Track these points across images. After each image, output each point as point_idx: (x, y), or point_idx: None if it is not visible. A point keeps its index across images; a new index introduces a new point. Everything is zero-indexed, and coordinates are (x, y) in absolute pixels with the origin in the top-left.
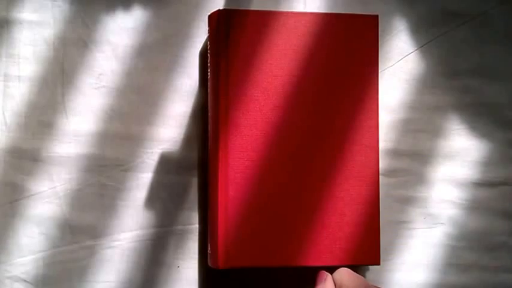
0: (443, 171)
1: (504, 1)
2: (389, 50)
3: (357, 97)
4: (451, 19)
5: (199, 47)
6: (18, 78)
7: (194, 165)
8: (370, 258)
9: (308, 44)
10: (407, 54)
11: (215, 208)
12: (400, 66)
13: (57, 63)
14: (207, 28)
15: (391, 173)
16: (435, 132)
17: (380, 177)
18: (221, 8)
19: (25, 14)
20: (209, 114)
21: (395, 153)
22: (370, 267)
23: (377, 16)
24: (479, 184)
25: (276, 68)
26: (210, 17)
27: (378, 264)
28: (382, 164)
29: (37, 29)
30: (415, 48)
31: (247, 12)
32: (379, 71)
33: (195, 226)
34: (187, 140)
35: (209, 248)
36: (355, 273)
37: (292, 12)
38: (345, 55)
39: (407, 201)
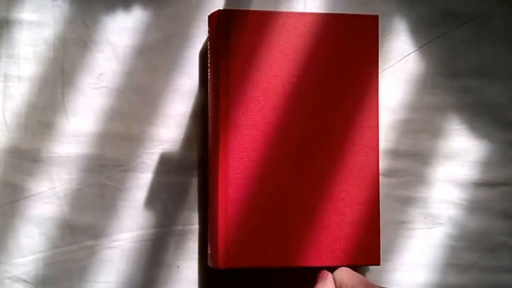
0: (443, 171)
1: (504, 1)
2: (389, 50)
3: (357, 97)
4: (451, 19)
5: (199, 47)
6: (18, 79)
7: (194, 166)
8: (370, 258)
9: (308, 44)
10: (407, 54)
11: (215, 208)
12: (400, 66)
13: (57, 64)
14: (207, 28)
15: (391, 173)
16: (435, 132)
17: (380, 177)
18: (221, 8)
19: (25, 14)
20: (209, 114)
21: (395, 153)
22: (370, 267)
23: (377, 16)
24: (479, 184)
25: (276, 68)
26: (210, 17)
27: (378, 264)
28: (382, 164)
29: (37, 29)
30: (415, 49)
31: (247, 12)
32: (379, 71)
33: (195, 226)
34: (187, 140)
35: (209, 248)
36: (355, 272)
37: (292, 13)
38: (345, 55)
39: (407, 202)
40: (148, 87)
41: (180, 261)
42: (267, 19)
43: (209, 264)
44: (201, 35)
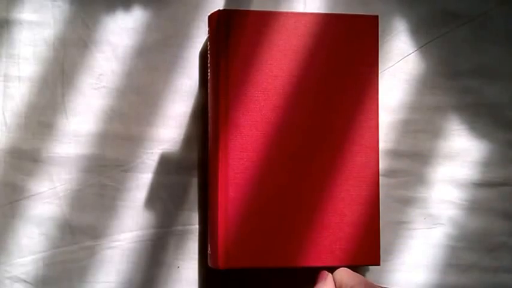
0: (443, 171)
1: (504, 1)
2: (389, 50)
3: (357, 97)
4: (451, 20)
5: (199, 48)
6: (18, 79)
7: (194, 166)
8: (370, 258)
9: (308, 44)
10: (407, 54)
11: (215, 208)
12: (400, 66)
13: (57, 64)
14: (207, 28)
15: (391, 173)
16: (435, 132)
17: (380, 177)
18: (221, 8)
19: (25, 15)
20: (209, 114)
21: (395, 153)
22: (370, 267)
23: (377, 16)
24: (479, 184)
25: (276, 69)
26: (210, 17)
27: (378, 264)
28: (382, 164)
29: (37, 30)
30: (415, 49)
31: (247, 12)
32: (379, 71)
33: (195, 226)
34: (187, 141)
35: (209, 249)
36: (354, 273)
37: (292, 13)
38: (345, 55)
39: (407, 202)
40: (148, 87)
41: (180, 262)
42: (267, 19)
43: (209, 264)
44: (201, 35)
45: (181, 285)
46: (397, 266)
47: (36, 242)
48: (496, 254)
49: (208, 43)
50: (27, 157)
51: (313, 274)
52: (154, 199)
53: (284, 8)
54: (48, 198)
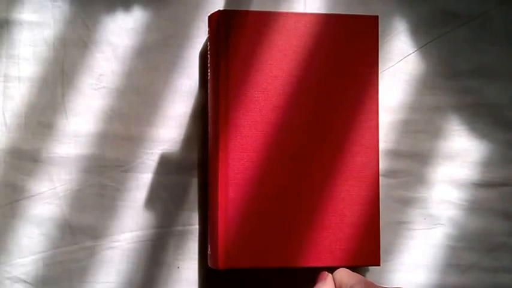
0: (443, 172)
1: (504, 2)
2: (389, 50)
3: (357, 98)
4: (451, 20)
5: (199, 48)
6: (18, 79)
7: (194, 166)
8: (370, 258)
9: (308, 44)
10: (407, 55)
11: (215, 209)
12: (400, 66)
13: (57, 64)
14: (207, 29)
15: (391, 173)
16: (435, 133)
17: (380, 177)
18: (221, 8)
19: (25, 15)
20: (209, 114)
21: (395, 153)
22: (370, 267)
23: (377, 17)
24: (479, 185)
25: (276, 69)
26: (210, 17)
27: (378, 265)
28: (382, 164)
29: (37, 30)
30: (415, 49)
31: (247, 12)
32: (379, 71)
33: (195, 227)
34: (187, 141)
35: (209, 249)
36: (354, 273)
37: (292, 13)
38: (345, 56)
39: (407, 202)
40: (148, 87)
41: (180, 262)
42: (267, 19)
43: (209, 264)
44: (201, 36)
45: (181, 285)
46: (397, 266)
47: (36, 242)
48: (496, 254)
49: (208, 43)
50: (27, 157)
51: (313, 274)
52: (154, 199)
53: (284, 8)
54: (48, 198)
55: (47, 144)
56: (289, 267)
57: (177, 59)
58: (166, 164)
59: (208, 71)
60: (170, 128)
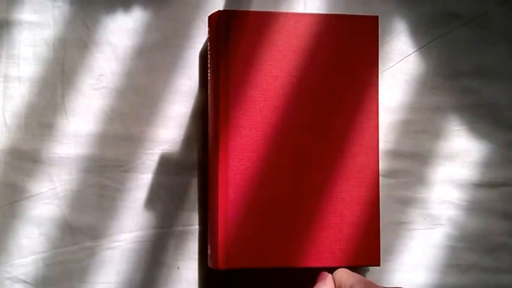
0: (443, 172)
1: (504, 2)
2: (389, 50)
3: (357, 98)
4: (451, 20)
5: (199, 48)
6: (18, 79)
7: (194, 166)
8: (370, 259)
9: (308, 44)
10: (407, 55)
11: (215, 209)
12: (400, 67)
13: (57, 64)
14: (207, 29)
15: (391, 173)
16: (435, 133)
17: (380, 178)
18: (221, 8)
19: (25, 15)
20: (209, 115)
21: (395, 154)
22: (370, 268)
23: (377, 17)
24: (479, 185)
25: (276, 69)
26: (210, 17)
27: (378, 265)
28: (382, 164)
29: (37, 30)
30: (415, 49)
31: (247, 13)
32: (379, 71)
33: (195, 227)
34: (187, 141)
35: (209, 249)
36: (354, 273)
37: (292, 13)
38: (345, 56)
39: (407, 202)
40: (148, 87)
41: (180, 262)
42: (267, 20)
43: (209, 264)
44: (201, 36)
45: (181, 285)
46: (397, 266)
47: (36, 243)
48: (496, 255)
49: (208, 43)
50: (27, 157)
51: (313, 274)
52: (154, 199)
53: (284, 9)
54: (48, 198)
55: (47, 144)
56: (289, 267)
57: (177, 59)
58: (166, 164)
59: (208, 71)
60: (170, 128)
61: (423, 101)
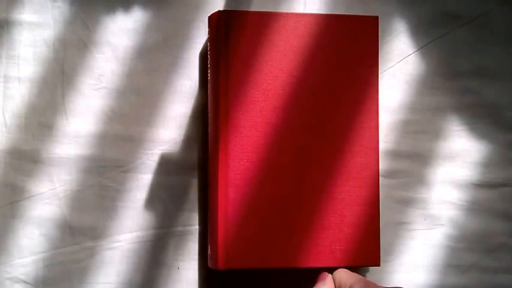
0: (443, 172)
1: (504, 2)
2: (389, 51)
3: (357, 98)
4: (451, 20)
5: (199, 48)
6: (18, 80)
7: (194, 166)
8: (370, 259)
9: (308, 45)
10: (407, 55)
11: (215, 209)
12: (400, 67)
13: (57, 65)
14: (207, 29)
15: (391, 174)
16: (435, 133)
17: (380, 178)
18: (221, 9)
19: (25, 15)
20: (209, 115)
21: (395, 154)
22: (370, 268)
23: (377, 17)
24: (479, 185)
25: (276, 69)
26: (210, 18)
27: (378, 265)
28: (382, 165)
29: (37, 30)
30: (415, 50)
31: (247, 13)
32: (379, 72)
33: (195, 227)
34: (187, 141)
35: (209, 249)
36: (353, 273)
37: (292, 13)
38: (345, 56)
39: (407, 203)
40: (148, 88)
41: (180, 262)
42: (267, 20)
43: (209, 265)
44: (201, 36)
45: (181, 286)
46: (397, 266)
47: (36, 243)
48: (496, 255)
49: (208, 44)
50: (27, 158)
51: (313, 275)
52: (154, 200)
53: (284, 9)
54: (48, 199)
55: (47, 144)
56: (289, 267)
57: (177, 59)
58: (166, 165)
59: (208, 71)
60: (170, 128)
61: (423, 101)
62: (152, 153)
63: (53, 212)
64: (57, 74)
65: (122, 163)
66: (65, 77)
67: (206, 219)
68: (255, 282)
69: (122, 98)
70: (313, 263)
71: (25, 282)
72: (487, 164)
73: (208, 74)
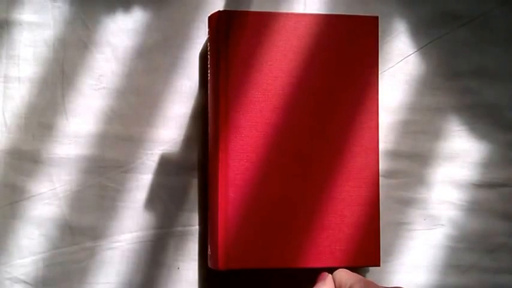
0: (443, 172)
1: (504, 2)
2: (389, 51)
3: (357, 98)
4: (451, 20)
5: (199, 48)
6: (18, 80)
7: (194, 167)
8: (370, 259)
9: (308, 45)
10: (407, 55)
11: (215, 209)
12: (400, 67)
13: (57, 65)
14: (207, 29)
15: (391, 174)
16: (435, 133)
17: (380, 178)
18: (221, 9)
19: (25, 16)
20: (209, 115)
21: (395, 154)
22: (370, 268)
23: (377, 17)
24: (479, 185)
25: (276, 69)
26: (210, 18)
27: (378, 265)
28: (382, 165)
29: (37, 30)
30: (415, 50)
31: (247, 13)
32: (379, 72)
33: (195, 227)
34: (187, 141)
35: (209, 249)
36: (353, 273)
37: (292, 14)
38: (345, 56)
39: (407, 203)
40: (148, 88)
41: (180, 262)
42: (267, 20)
43: (209, 265)
44: (201, 36)
45: (181, 286)
46: (397, 266)
47: (36, 243)
48: (496, 255)
49: (208, 44)
50: (27, 158)
51: (313, 275)
52: (154, 200)
53: (284, 9)
54: (48, 199)
55: (47, 144)
56: (289, 268)
57: (177, 59)
58: (166, 165)
59: (208, 71)
60: (170, 128)
61: (423, 101)
62: (152, 154)
63: (53, 212)
64: (57, 74)
65: (122, 163)
66: (65, 77)
67: (206, 219)
68: (255, 282)
69: (122, 98)
70: (313, 263)
71: (25, 282)
72: (487, 164)
73: (208, 74)
